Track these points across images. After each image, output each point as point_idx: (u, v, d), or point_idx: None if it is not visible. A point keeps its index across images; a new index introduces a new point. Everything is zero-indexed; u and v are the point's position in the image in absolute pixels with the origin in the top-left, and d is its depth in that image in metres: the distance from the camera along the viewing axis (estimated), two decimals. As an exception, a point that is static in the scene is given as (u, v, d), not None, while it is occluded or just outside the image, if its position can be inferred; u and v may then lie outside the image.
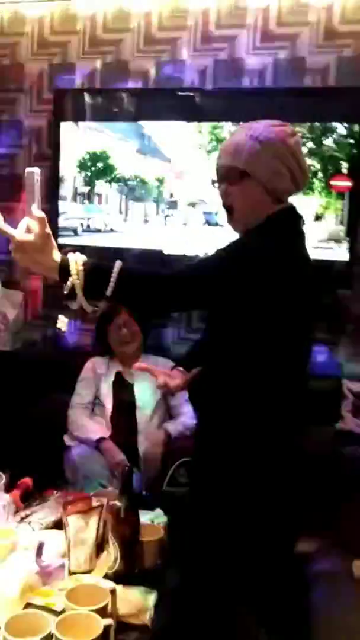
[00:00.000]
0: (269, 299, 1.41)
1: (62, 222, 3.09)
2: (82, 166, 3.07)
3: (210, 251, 1.51)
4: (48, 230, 1.29)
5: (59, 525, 1.75)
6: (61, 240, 3.04)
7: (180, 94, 2.94)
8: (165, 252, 2.96)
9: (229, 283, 1.40)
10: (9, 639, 1.18)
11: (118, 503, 1.55)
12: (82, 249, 1.42)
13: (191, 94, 2.92)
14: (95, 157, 3.03)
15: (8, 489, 1.90)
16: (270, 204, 1.53)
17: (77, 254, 1.35)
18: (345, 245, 2.74)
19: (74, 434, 2.66)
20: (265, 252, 1.42)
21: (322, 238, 2.73)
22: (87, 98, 3.07)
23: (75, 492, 1.97)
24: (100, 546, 1.64)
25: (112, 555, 1.55)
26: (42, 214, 1.28)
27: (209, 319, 1.67)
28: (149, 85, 3.05)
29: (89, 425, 2.65)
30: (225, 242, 1.49)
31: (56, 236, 1.37)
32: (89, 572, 1.57)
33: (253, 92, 2.91)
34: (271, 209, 1.52)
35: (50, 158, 3.17)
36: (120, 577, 1.52)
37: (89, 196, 3.05)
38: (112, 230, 3.02)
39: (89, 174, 3.05)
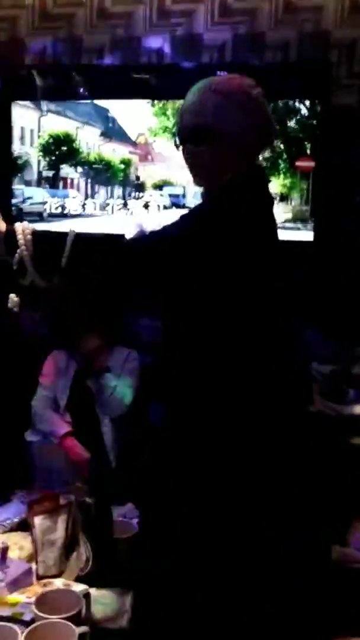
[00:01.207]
0: (234, 273, 1.31)
1: (27, 207, 2.97)
2: (45, 150, 2.93)
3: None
4: None
5: (23, 526, 1.63)
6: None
7: (135, 71, 2.80)
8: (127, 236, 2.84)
9: (193, 253, 1.28)
10: (-27, 656, 1.06)
11: (88, 500, 1.44)
12: None
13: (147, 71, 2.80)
14: (59, 141, 2.91)
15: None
16: (240, 161, 1.42)
17: (25, 223, 1.23)
18: (310, 225, 2.68)
19: (38, 427, 2.54)
20: (229, 225, 1.31)
21: (288, 218, 2.66)
22: (37, 76, 2.90)
23: (40, 490, 1.86)
24: (69, 546, 1.54)
25: (83, 555, 1.45)
26: None
27: (168, 299, 1.47)
28: (103, 62, 2.91)
29: (53, 418, 2.53)
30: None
31: (10, 218, 1.24)
32: (58, 575, 1.46)
33: (212, 68, 2.80)
34: (240, 167, 1.41)
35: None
36: (94, 578, 1.42)
37: (53, 180, 2.93)
38: (79, 215, 2.91)
39: (53, 157, 2.92)
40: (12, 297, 1.32)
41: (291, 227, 2.67)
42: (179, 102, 2.72)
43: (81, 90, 2.86)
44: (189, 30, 2.81)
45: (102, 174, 2.87)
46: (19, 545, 1.54)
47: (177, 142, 1.49)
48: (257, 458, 1.39)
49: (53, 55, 2.96)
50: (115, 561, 1.48)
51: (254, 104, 1.40)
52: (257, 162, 1.47)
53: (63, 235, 1.22)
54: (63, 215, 2.90)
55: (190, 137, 1.44)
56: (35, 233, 1.21)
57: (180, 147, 1.49)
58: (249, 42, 2.76)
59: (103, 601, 1.34)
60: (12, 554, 1.47)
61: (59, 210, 2.91)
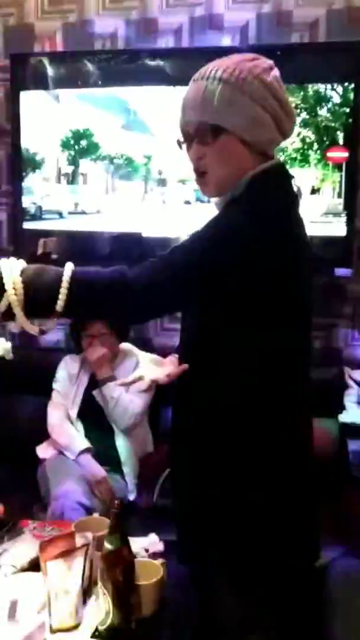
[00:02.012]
0: (267, 286, 1.14)
1: (46, 205, 2.81)
2: (65, 145, 2.75)
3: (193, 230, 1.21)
4: None
5: (36, 566, 1.47)
6: (46, 225, 2.78)
7: (152, 56, 2.61)
8: (144, 234, 2.67)
9: (224, 265, 1.12)
10: None
11: (108, 546, 1.27)
12: (46, 234, 1.13)
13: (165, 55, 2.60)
14: (78, 135, 2.73)
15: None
16: (253, 160, 1.22)
17: (12, 259, 1.05)
18: (343, 219, 2.48)
19: (55, 438, 2.37)
20: (260, 225, 1.13)
21: (321, 212, 2.47)
22: (48, 63, 2.72)
23: (54, 522, 1.69)
24: (87, 592, 1.37)
25: (102, 608, 1.28)
26: None
27: (189, 316, 1.34)
28: (117, 47, 2.72)
29: (70, 431, 2.37)
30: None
31: (19, 220, 1.07)
32: (74, 627, 1.30)
33: (234, 51, 2.58)
34: (254, 165, 1.22)
35: (9, 132, 2.83)
36: (114, 634, 1.26)
37: (73, 176, 2.76)
38: (98, 212, 2.74)
39: (72, 152, 2.75)
40: (2, 342, 1.13)
41: (324, 222, 2.47)
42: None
43: (93, 77, 2.68)
44: (209, 10, 2.60)
45: (123, 168, 2.70)
46: (30, 592, 1.37)
47: (180, 140, 1.27)
48: (294, 474, 1.26)
49: (63, 41, 2.77)
50: (139, 612, 1.31)
51: (268, 90, 1.19)
52: (274, 155, 1.26)
53: (58, 273, 1.05)
54: (83, 213, 2.76)
55: (196, 134, 1.23)
56: (25, 271, 1.04)
57: (184, 146, 1.27)
58: (273, 22, 2.55)
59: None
60: (23, 603, 1.31)
61: (80, 207, 2.76)
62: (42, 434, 2.42)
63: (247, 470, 1.23)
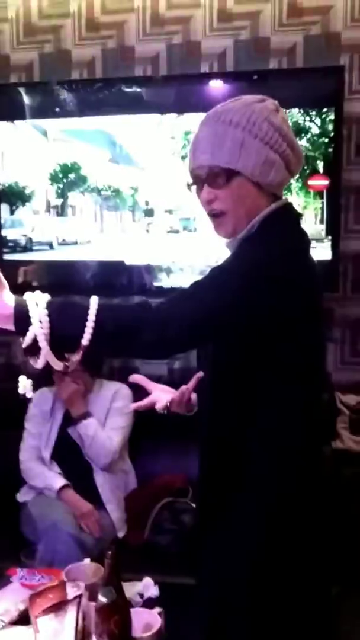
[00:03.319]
0: (284, 319, 1.16)
1: (36, 236, 2.80)
2: (53, 178, 2.74)
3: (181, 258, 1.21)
4: None
5: (26, 618, 1.39)
6: (35, 256, 2.75)
7: (128, 84, 2.60)
8: (127, 262, 2.64)
9: (243, 303, 1.13)
10: None
11: (102, 599, 1.20)
12: (28, 263, 1.10)
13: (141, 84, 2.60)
14: (66, 169, 2.73)
15: None
16: (265, 201, 1.24)
17: (38, 293, 1.03)
18: (327, 245, 2.48)
19: (30, 483, 2.29)
20: (277, 267, 1.15)
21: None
22: (24, 93, 2.70)
23: (44, 570, 1.61)
24: (81, 646, 1.30)
25: (97, 665, 1.20)
26: None
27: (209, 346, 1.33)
28: (95, 75, 2.70)
29: (45, 472, 2.27)
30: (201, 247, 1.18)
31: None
32: None
33: (212, 77, 2.59)
34: (265, 206, 1.23)
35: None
36: None
37: (62, 209, 2.76)
38: (88, 242, 2.75)
39: (60, 185, 2.75)
40: (23, 380, 1.09)
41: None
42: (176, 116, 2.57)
43: (71, 107, 2.66)
44: (186, 38, 2.60)
45: (111, 200, 2.70)
46: (20, 648, 1.30)
47: (190, 183, 1.28)
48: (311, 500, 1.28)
49: (40, 70, 2.75)
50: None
51: (277, 132, 1.20)
52: (282, 200, 1.28)
53: (83, 306, 1.04)
54: (74, 243, 2.76)
55: (207, 178, 1.22)
56: (51, 305, 1.02)
57: (194, 188, 1.27)
58: (251, 48, 2.55)
59: None
60: (13, 663, 1.23)
61: (69, 238, 2.76)
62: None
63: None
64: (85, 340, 1.03)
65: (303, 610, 1.26)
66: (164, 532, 2.18)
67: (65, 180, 2.73)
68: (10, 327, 1.02)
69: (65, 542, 1.97)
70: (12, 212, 2.77)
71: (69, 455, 2.28)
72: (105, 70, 2.70)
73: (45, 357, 1.02)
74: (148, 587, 1.56)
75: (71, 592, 1.34)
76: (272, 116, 1.21)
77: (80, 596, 1.31)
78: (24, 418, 2.40)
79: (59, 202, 2.75)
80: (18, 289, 1.10)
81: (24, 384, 1.09)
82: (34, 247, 2.76)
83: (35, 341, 1.01)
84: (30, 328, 1.01)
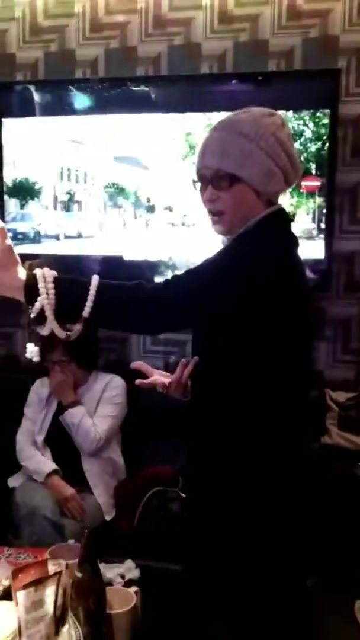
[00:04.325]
0: (272, 308, 1.25)
1: (43, 230, 2.92)
2: (61, 175, 2.87)
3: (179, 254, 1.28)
4: (9, 242, 1.12)
5: (9, 593, 1.46)
6: (42, 248, 2.87)
7: (132, 84, 2.68)
8: (125, 257, 2.72)
9: (229, 295, 1.23)
10: None
11: (78, 574, 1.27)
12: (28, 258, 1.21)
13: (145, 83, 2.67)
14: (71, 166, 2.86)
15: None
16: (261, 206, 1.35)
17: (46, 269, 1.14)
18: (320, 244, 2.53)
19: (22, 464, 2.39)
20: (265, 260, 1.25)
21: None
22: (33, 91, 2.78)
23: (29, 549, 1.68)
24: (60, 620, 1.36)
25: (73, 636, 1.27)
26: (1, 224, 1.11)
27: (199, 336, 1.43)
28: (98, 75, 2.77)
29: (37, 456, 2.37)
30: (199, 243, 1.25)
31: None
32: (46, 657, 1.28)
33: (212, 78, 2.65)
34: (261, 211, 1.34)
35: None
36: (85, 664, 1.25)
37: (68, 204, 2.88)
38: (92, 236, 2.86)
39: (68, 182, 2.87)
40: (31, 346, 1.21)
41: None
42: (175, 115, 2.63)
43: (76, 105, 2.74)
44: (187, 39, 2.66)
45: (115, 196, 2.80)
46: (3, 620, 1.36)
47: (196, 180, 1.39)
48: (282, 496, 1.36)
49: (44, 69, 2.82)
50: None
51: (281, 146, 1.32)
52: (277, 205, 1.38)
53: (86, 282, 1.15)
54: (78, 236, 2.87)
55: (212, 179, 1.33)
56: (57, 279, 1.13)
57: (198, 185, 1.38)
58: (250, 50, 2.61)
59: None
60: (-6, 633, 1.30)
61: (73, 232, 2.87)
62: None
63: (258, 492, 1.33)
64: (85, 312, 1.14)
65: (279, 597, 1.34)
66: (152, 519, 2.24)
67: (71, 177, 2.85)
68: (21, 297, 1.13)
69: (43, 527, 2.07)
70: (22, 207, 2.90)
71: (60, 440, 2.37)
72: (108, 70, 2.76)
73: (50, 325, 1.12)
74: (130, 569, 1.63)
75: (52, 569, 1.40)
76: (279, 131, 1.32)
77: (60, 573, 1.37)
78: (19, 407, 2.48)
79: (65, 197, 2.85)
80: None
81: (32, 350, 1.20)
82: (42, 240, 2.89)
83: (42, 311, 1.11)
84: (38, 299, 1.11)
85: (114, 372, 2.52)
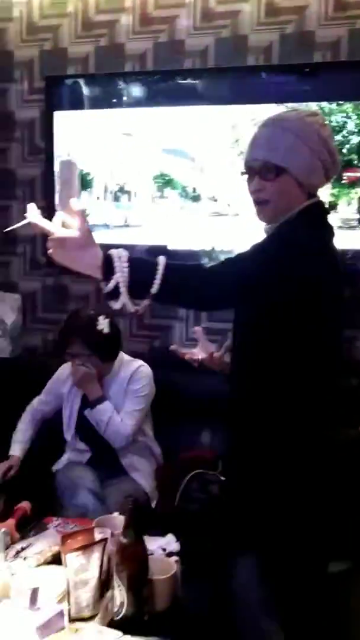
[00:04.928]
0: (309, 294, 1.36)
1: (93, 219, 2.96)
2: (113, 166, 2.95)
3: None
4: (89, 224, 1.23)
5: (58, 559, 1.56)
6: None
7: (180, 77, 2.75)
8: (170, 247, 2.79)
9: (272, 278, 1.34)
10: None
11: (123, 539, 1.35)
12: None
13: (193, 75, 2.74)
14: (123, 157, 2.94)
15: (4, 515, 1.72)
16: (303, 197, 1.47)
17: (120, 250, 1.26)
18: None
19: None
20: (305, 247, 1.37)
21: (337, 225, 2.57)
22: (82, 85, 2.88)
23: (76, 519, 1.78)
24: (104, 584, 1.45)
25: (117, 599, 1.36)
26: (83, 207, 1.22)
27: (242, 318, 1.55)
28: (146, 68, 2.84)
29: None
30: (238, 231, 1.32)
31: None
32: (91, 618, 1.38)
33: (258, 70, 2.69)
34: (302, 202, 1.47)
35: (44, 150, 2.99)
36: (128, 624, 1.33)
37: (117, 194, 2.97)
38: (140, 225, 2.93)
39: (119, 173, 2.95)
40: (102, 319, 1.33)
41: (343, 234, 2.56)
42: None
43: (125, 98, 2.83)
44: (234, 31, 2.70)
45: (163, 187, 2.88)
46: (51, 582, 1.46)
47: (243, 172, 1.51)
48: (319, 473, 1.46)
49: (95, 63, 2.91)
50: (152, 605, 1.39)
51: (323, 144, 1.44)
52: (316, 197, 1.51)
53: (154, 262, 1.26)
54: (125, 226, 2.94)
55: (260, 171, 1.46)
56: (130, 259, 1.24)
57: (246, 176, 1.50)
58: (296, 41, 2.63)
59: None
60: (44, 593, 1.40)
61: (122, 222, 2.94)
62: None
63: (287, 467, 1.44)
64: (154, 289, 1.24)
65: (314, 579, 1.46)
66: (192, 500, 2.31)
67: (120, 169, 2.92)
68: (98, 275, 1.24)
69: (86, 500, 2.13)
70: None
71: (92, 433, 2.35)
72: (156, 63, 2.82)
73: (123, 300, 1.23)
74: (170, 542, 1.71)
75: (98, 536, 1.50)
76: (322, 129, 1.46)
77: (105, 540, 1.46)
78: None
79: (115, 188, 2.92)
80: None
81: (103, 322, 1.30)
82: (93, 229, 2.94)
83: (115, 287, 1.22)
84: (114, 276, 1.22)
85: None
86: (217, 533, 1.65)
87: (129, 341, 2.93)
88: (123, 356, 2.44)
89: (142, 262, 1.28)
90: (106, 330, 1.30)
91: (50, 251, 1.23)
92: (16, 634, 1.24)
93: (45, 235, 1.24)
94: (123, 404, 2.35)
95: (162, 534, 1.77)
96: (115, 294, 1.23)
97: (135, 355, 2.48)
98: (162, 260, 1.27)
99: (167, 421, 2.57)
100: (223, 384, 1.65)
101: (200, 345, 1.75)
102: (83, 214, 1.21)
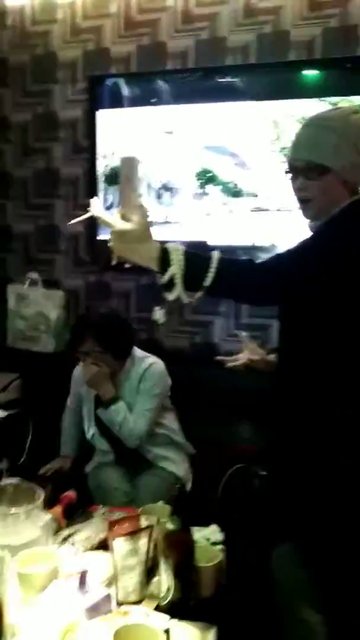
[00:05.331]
0: (357, 290, 1.36)
1: None
2: (152, 163, 2.97)
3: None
4: (149, 218, 1.28)
5: (105, 545, 1.58)
6: None
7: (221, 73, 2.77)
8: (209, 243, 2.80)
9: (317, 274, 1.35)
10: None
11: (170, 525, 1.37)
12: None
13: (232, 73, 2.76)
14: (163, 154, 2.97)
15: (51, 503, 1.76)
16: (346, 195, 1.47)
17: (177, 243, 1.31)
18: None
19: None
20: (351, 244, 1.38)
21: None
22: (124, 83, 2.92)
23: (122, 508, 1.81)
24: (151, 570, 1.47)
25: (164, 584, 1.38)
26: (144, 202, 1.27)
27: (289, 315, 1.55)
28: (187, 65, 2.86)
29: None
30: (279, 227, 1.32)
31: (95, 232, 1.29)
32: (138, 602, 1.40)
33: (300, 65, 2.69)
34: (346, 200, 1.47)
35: (88, 149, 3.04)
36: (174, 609, 1.35)
37: (159, 191, 2.99)
38: (181, 222, 2.95)
39: (159, 170, 2.97)
40: (157, 309, 1.44)
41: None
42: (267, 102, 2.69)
43: (167, 96, 2.86)
44: (276, 27, 2.70)
45: (204, 184, 2.89)
46: (98, 567, 1.49)
47: (287, 171, 1.52)
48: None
49: (137, 62, 2.95)
50: (198, 592, 1.40)
51: None
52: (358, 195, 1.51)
53: (209, 256, 1.30)
54: (166, 223, 2.97)
55: (303, 170, 1.47)
56: (185, 253, 1.29)
57: (290, 176, 1.51)
58: (339, 36, 2.61)
59: (184, 636, 1.26)
60: (92, 577, 1.42)
61: (164, 218, 2.96)
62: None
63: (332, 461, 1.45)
64: (207, 282, 1.28)
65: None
66: (234, 494, 2.32)
67: (162, 166, 2.94)
68: (154, 267, 1.29)
69: (118, 498, 2.19)
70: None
71: (110, 432, 2.33)
72: (197, 60, 2.84)
73: (178, 291, 1.28)
74: (214, 532, 1.72)
75: (144, 523, 1.52)
76: None
77: (152, 527, 1.48)
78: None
79: (158, 185, 2.94)
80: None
81: (158, 313, 1.41)
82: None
83: (170, 279, 1.27)
84: (170, 268, 1.27)
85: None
86: (260, 525, 1.67)
87: (170, 337, 2.96)
88: (135, 353, 2.39)
89: (197, 255, 1.31)
90: (161, 320, 1.34)
91: (110, 243, 1.29)
92: (66, 614, 1.27)
93: (89, 235, 1.30)
94: (136, 402, 2.33)
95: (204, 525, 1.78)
96: (170, 285, 1.28)
97: (176, 351, 2.50)
98: (216, 254, 1.31)
99: (208, 416, 2.59)
100: (264, 380, 1.68)
101: (245, 349, 1.80)
102: (143, 209, 1.27)
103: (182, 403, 2.54)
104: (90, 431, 2.42)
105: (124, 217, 1.28)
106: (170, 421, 2.47)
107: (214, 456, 2.54)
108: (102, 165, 3.01)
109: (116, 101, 2.96)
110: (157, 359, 2.41)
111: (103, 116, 2.99)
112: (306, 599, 1.47)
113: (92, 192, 3.00)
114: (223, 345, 2.93)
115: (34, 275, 3.14)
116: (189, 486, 2.41)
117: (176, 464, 2.40)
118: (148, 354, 2.42)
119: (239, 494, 2.30)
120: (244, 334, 1.87)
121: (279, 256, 1.44)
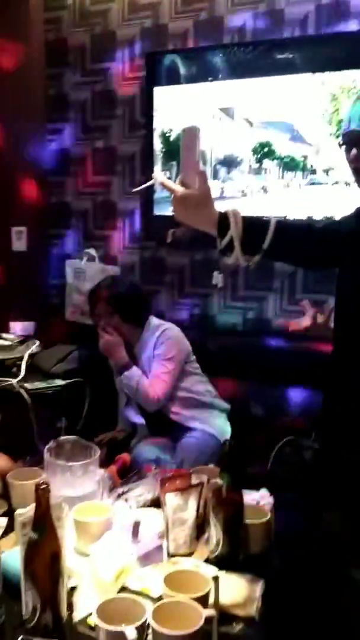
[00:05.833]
0: None
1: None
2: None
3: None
4: (209, 185, 1.31)
5: (157, 503, 1.64)
6: None
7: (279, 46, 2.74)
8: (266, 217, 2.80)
9: None
10: (101, 625, 1.08)
11: (219, 481, 1.41)
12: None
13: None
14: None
15: (106, 464, 1.83)
16: None
17: (235, 208, 1.33)
18: None
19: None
20: None
21: None
22: (181, 60, 2.94)
23: (174, 469, 1.86)
24: (200, 528, 1.52)
25: (213, 538, 1.42)
26: (204, 169, 1.31)
27: (347, 280, 1.56)
28: (245, 40, 2.85)
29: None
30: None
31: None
32: (189, 555, 1.45)
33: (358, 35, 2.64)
34: None
35: (145, 126, 3.08)
36: (223, 562, 1.39)
37: (216, 167, 3.01)
38: (234, 197, 2.95)
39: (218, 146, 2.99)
40: (216, 274, 1.42)
41: None
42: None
43: (223, 71, 2.86)
44: (335, -3, 2.66)
45: (262, 158, 2.90)
46: (151, 522, 1.55)
47: (342, 143, 1.52)
48: None
49: (194, 38, 2.96)
50: (246, 547, 1.44)
51: None
52: None
53: (267, 220, 1.32)
54: (231, 197, 2.97)
55: (358, 141, 1.46)
56: (244, 218, 1.31)
57: (343, 147, 1.51)
58: None
59: (232, 587, 1.30)
60: (144, 529, 1.48)
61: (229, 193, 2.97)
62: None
63: None
64: (265, 245, 1.30)
65: None
66: (285, 465, 2.35)
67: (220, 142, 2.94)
68: (214, 231, 1.32)
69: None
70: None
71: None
72: (255, 34, 2.83)
73: (237, 254, 1.31)
74: (264, 496, 1.74)
75: (195, 481, 1.56)
76: None
77: (202, 484, 1.53)
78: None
79: (215, 161, 2.95)
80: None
81: (217, 277, 1.39)
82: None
83: (230, 243, 1.30)
84: (229, 232, 1.30)
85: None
86: (310, 492, 1.68)
87: (223, 312, 2.98)
88: (152, 322, 2.43)
89: (255, 219, 1.34)
90: (220, 285, 1.40)
91: (172, 209, 1.33)
92: (119, 562, 1.33)
93: (144, 211, 1.34)
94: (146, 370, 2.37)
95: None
96: (229, 249, 1.31)
97: (228, 326, 2.53)
98: (274, 219, 1.32)
99: (261, 388, 2.62)
100: (318, 353, 1.70)
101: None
102: (204, 176, 1.31)
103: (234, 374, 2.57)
104: (122, 403, 2.50)
105: (184, 185, 1.31)
106: (194, 383, 2.47)
107: (266, 427, 2.57)
108: (159, 143, 3.05)
109: (173, 78, 2.99)
110: (171, 324, 2.45)
111: (160, 93, 3.02)
112: (355, 560, 1.48)
113: (149, 169, 3.05)
114: (276, 321, 2.94)
115: (92, 251, 3.23)
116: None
117: (208, 423, 2.42)
118: (164, 322, 2.46)
119: (288, 468, 2.33)
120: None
121: (339, 221, 1.47)
